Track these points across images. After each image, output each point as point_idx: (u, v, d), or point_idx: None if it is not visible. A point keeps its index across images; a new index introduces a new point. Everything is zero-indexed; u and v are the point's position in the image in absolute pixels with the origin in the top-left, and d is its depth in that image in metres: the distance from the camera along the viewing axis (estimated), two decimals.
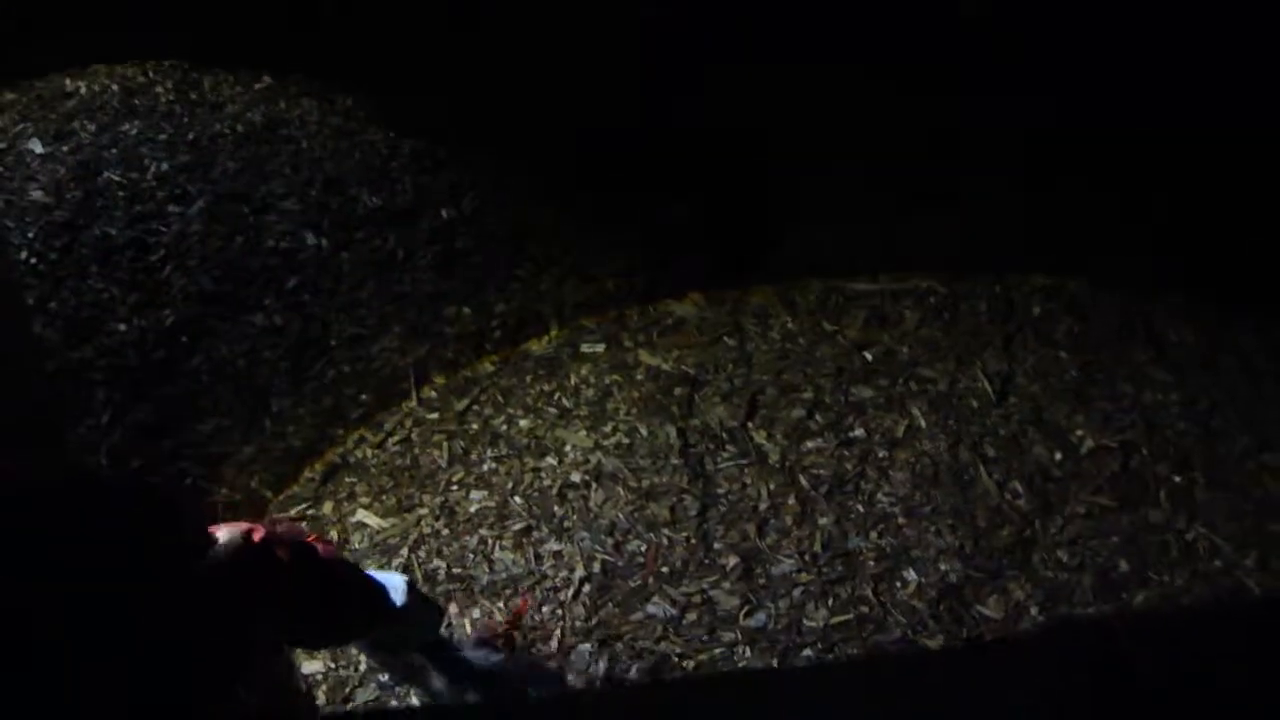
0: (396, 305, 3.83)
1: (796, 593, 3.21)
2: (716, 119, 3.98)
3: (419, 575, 3.27)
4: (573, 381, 3.85)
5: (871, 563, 3.28)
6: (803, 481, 3.49)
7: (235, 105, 3.88)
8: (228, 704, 1.74)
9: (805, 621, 3.14)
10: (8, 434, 2.22)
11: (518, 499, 3.49)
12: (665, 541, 3.34)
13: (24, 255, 3.35)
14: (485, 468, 3.60)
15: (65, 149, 3.61)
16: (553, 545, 3.36)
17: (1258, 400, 3.73)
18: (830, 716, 1.90)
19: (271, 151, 3.81)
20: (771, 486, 3.47)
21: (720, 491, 3.47)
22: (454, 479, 3.57)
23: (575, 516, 3.42)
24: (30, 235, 3.39)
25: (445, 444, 3.68)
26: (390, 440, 3.72)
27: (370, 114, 4.00)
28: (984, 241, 4.08)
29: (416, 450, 3.68)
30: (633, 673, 3.05)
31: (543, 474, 3.55)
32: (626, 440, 3.63)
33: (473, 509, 3.47)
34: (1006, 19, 3.72)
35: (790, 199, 4.09)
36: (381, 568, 3.21)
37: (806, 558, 3.29)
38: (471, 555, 3.35)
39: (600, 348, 3.98)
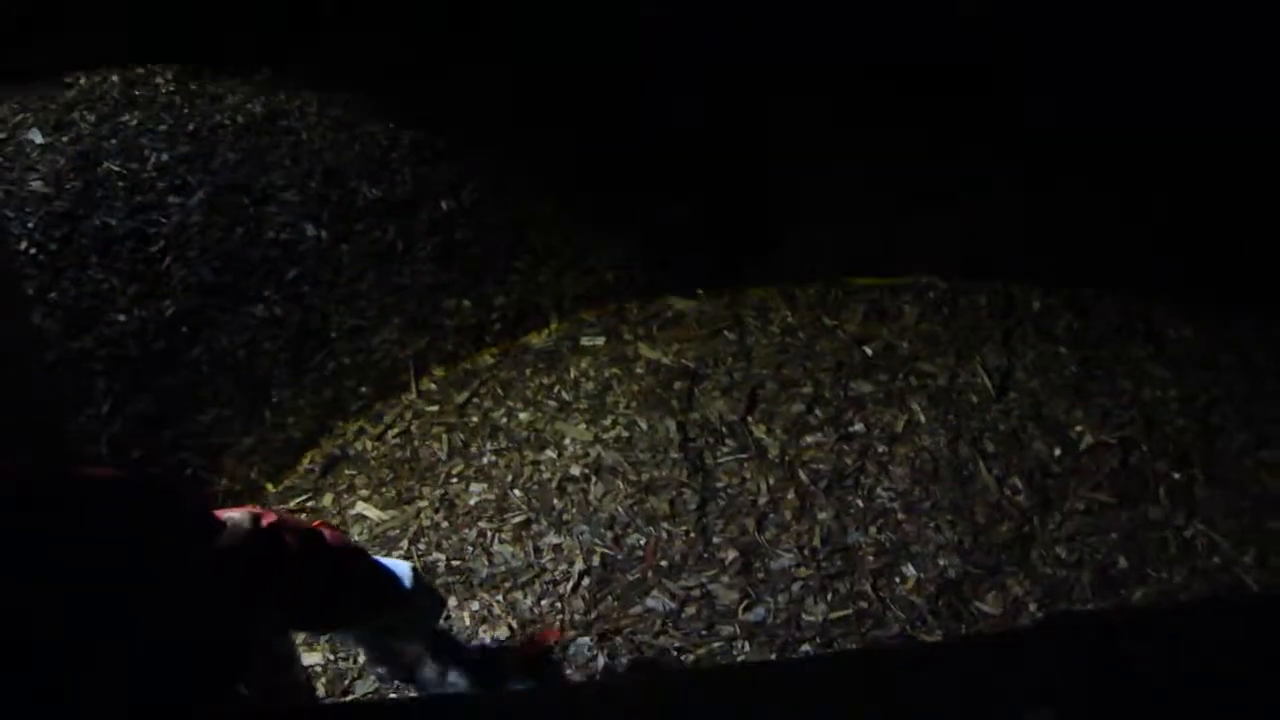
0: (396, 297, 3.83)
1: (795, 587, 3.21)
2: (716, 117, 3.98)
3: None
4: (572, 375, 3.86)
5: (870, 558, 3.28)
6: (802, 476, 3.49)
7: (235, 96, 3.87)
8: (232, 691, 1.74)
9: (804, 616, 3.14)
10: (6, 431, 2.21)
11: (517, 492, 3.49)
12: (664, 535, 3.34)
13: (24, 245, 3.34)
14: (485, 460, 3.60)
15: (65, 139, 3.60)
16: (552, 538, 3.36)
17: (1257, 397, 3.73)
18: (829, 710, 1.91)
19: (271, 143, 3.80)
20: (771, 481, 3.48)
21: (720, 486, 3.47)
22: (453, 471, 3.57)
23: (574, 510, 3.43)
24: (30, 225, 3.38)
25: (445, 436, 3.68)
26: (390, 432, 3.72)
27: (370, 106, 3.99)
28: (984, 238, 4.07)
29: (416, 442, 3.68)
30: (630, 666, 3.05)
31: (542, 467, 3.56)
32: (626, 434, 3.63)
33: (472, 502, 3.48)
34: (1006, 19, 3.71)
35: (790, 198, 4.09)
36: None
37: (805, 552, 3.29)
38: (471, 548, 3.35)
39: (600, 341, 3.98)
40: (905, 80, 3.78)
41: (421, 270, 3.87)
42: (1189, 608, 3.03)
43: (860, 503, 3.43)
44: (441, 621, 2.78)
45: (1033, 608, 3.17)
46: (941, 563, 3.26)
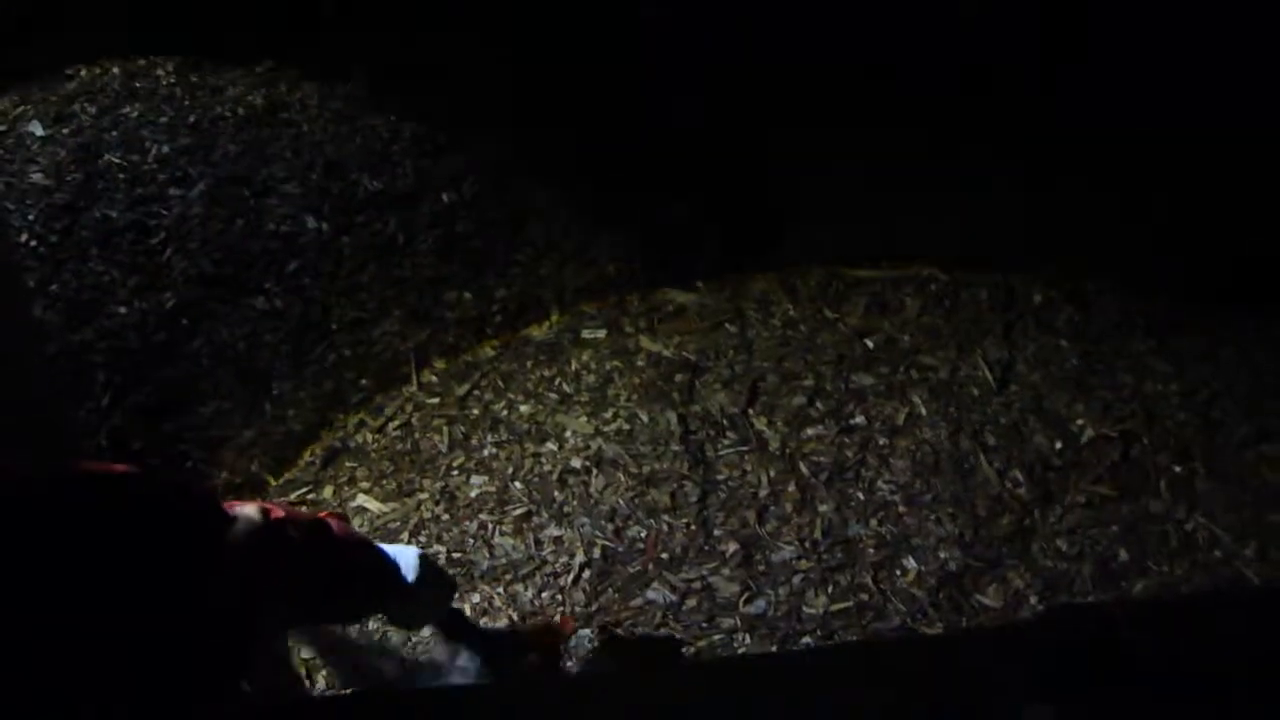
0: (397, 289, 3.82)
1: (796, 580, 3.21)
2: (716, 114, 3.97)
3: None
4: (573, 367, 3.85)
5: (871, 550, 3.28)
6: (803, 469, 3.49)
7: (236, 89, 3.86)
8: (237, 686, 1.74)
9: (805, 609, 3.14)
10: (8, 431, 2.21)
11: (518, 484, 3.49)
12: (665, 528, 3.34)
13: (24, 238, 3.34)
14: (485, 453, 3.60)
15: (66, 131, 3.60)
16: (553, 531, 3.36)
17: (1257, 391, 3.73)
18: (829, 703, 1.91)
19: (272, 135, 3.79)
20: (772, 473, 3.47)
21: (720, 478, 3.47)
22: (454, 464, 3.57)
23: (575, 502, 3.43)
24: (31, 218, 3.38)
25: (445, 429, 3.68)
26: (390, 425, 3.72)
27: (371, 98, 3.99)
28: (986, 231, 4.07)
29: (417, 435, 3.68)
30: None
31: (543, 459, 3.56)
32: (627, 426, 3.63)
33: (473, 494, 3.48)
34: (1004, 17, 3.71)
35: (791, 191, 4.08)
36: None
37: (806, 545, 3.29)
38: (472, 540, 3.35)
39: (601, 333, 3.97)
40: (907, 78, 3.77)
41: (422, 263, 3.87)
42: (1190, 600, 3.04)
43: (861, 495, 3.43)
44: (453, 604, 2.76)
45: (1033, 600, 3.17)
46: (942, 555, 3.26)
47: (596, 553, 3.29)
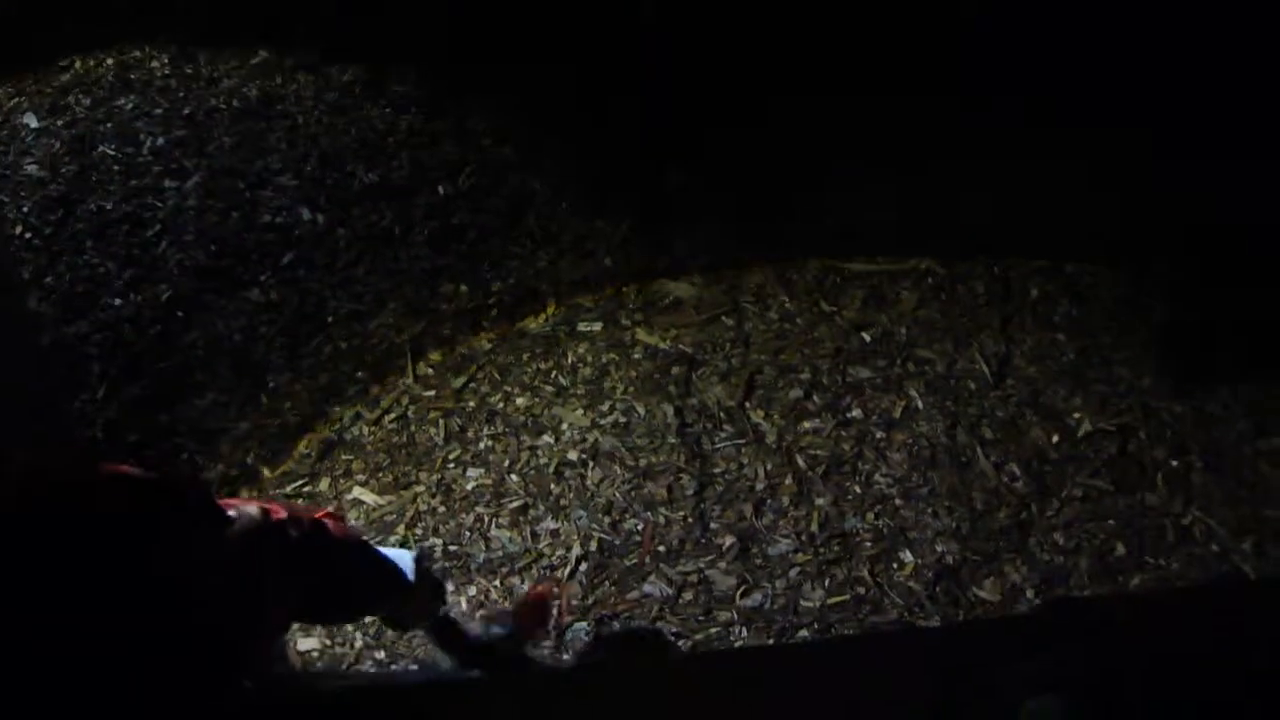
0: (393, 281, 3.82)
1: (793, 573, 3.21)
2: (716, 94, 3.96)
3: None
4: (570, 360, 3.84)
5: (868, 544, 3.28)
6: (800, 462, 3.49)
7: (231, 80, 3.85)
8: (237, 685, 1.73)
9: (802, 602, 3.14)
10: (4, 423, 2.21)
11: (514, 477, 3.48)
12: (662, 521, 3.33)
13: (19, 230, 3.33)
14: (482, 445, 3.59)
15: (60, 123, 3.59)
16: (549, 524, 3.36)
17: (1256, 386, 3.72)
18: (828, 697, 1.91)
19: (267, 127, 3.78)
20: (768, 466, 3.47)
21: (717, 471, 3.47)
22: (450, 456, 3.56)
23: (572, 495, 3.42)
24: (25, 210, 3.37)
25: (442, 421, 3.67)
26: (387, 417, 3.71)
27: (366, 89, 3.97)
28: (983, 224, 4.06)
29: (413, 427, 3.67)
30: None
31: (539, 452, 3.55)
32: (624, 419, 3.62)
33: (469, 487, 3.47)
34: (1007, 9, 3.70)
35: (791, 178, 4.07)
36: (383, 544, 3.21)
37: (803, 538, 3.29)
38: (468, 533, 3.35)
39: (597, 326, 3.96)
40: (907, 64, 3.76)
41: (418, 255, 3.86)
42: (1187, 595, 3.04)
43: (858, 489, 3.42)
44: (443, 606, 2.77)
45: (1030, 594, 3.17)
46: (939, 549, 3.26)
47: (593, 545, 3.28)
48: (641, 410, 3.64)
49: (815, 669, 2.11)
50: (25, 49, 3.77)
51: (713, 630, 3.09)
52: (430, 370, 3.86)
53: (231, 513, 1.70)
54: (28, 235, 3.34)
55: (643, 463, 3.49)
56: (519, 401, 3.72)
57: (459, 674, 2.66)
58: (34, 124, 3.56)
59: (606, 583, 3.20)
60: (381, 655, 3.02)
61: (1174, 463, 3.50)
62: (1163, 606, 2.47)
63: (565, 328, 3.98)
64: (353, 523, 3.38)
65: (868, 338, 3.88)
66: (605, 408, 3.67)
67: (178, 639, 1.48)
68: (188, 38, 3.92)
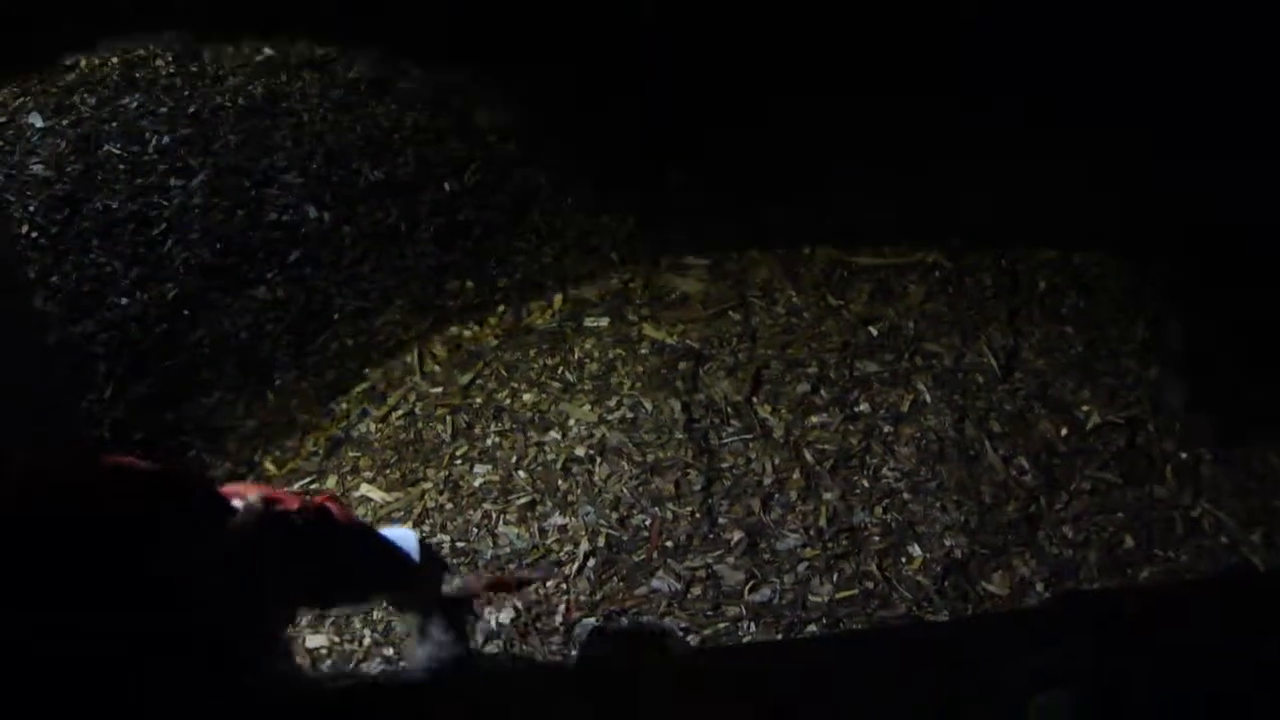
0: (399, 279, 3.82)
1: (801, 568, 3.21)
2: (716, 94, 3.95)
3: None
4: (576, 355, 3.84)
5: (876, 538, 3.27)
6: (807, 456, 3.48)
7: (236, 78, 3.86)
8: (242, 675, 1.73)
9: (810, 597, 3.14)
10: (11, 421, 2.21)
11: (522, 473, 3.48)
12: (670, 516, 3.33)
13: (25, 229, 3.34)
14: (489, 442, 3.59)
15: (65, 123, 3.59)
16: (557, 519, 3.35)
17: (1264, 377, 3.71)
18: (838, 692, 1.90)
19: (272, 124, 3.79)
20: (776, 461, 3.47)
21: (725, 466, 3.46)
22: (457, 453, 3.56)
23: (579, 491, 3.42)
24: (31, 209, 3.38)
25: (449, 418, 3.67)
26: (394, 414, 3.71)
27: (371, 87, 3.97)
28: (990, 218, 4.05)
29: (420, 424, 3.67)
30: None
31: (546, 448, 3.55)
32: (631, 415, 3.62)
33: (477, 483, 3.47)
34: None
35: (793, 175, 4.05)
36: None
37: (811, 533, 3.28)
38: (476, 529, 3.35)
39: (604, 321, 3.95)
40: (910, 54, 3.75)
41: (424, 251, 3.86)
42: (1196, 587, 3.03)
43: (866, 483, 3.42)
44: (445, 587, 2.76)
45: (1039, 587, 3.16)
46: (948, 543, 3.25)
47: (601, 541, 3.28)
48: (649, 405, 3.64)
49: (824, 664, 2.10)
50: (30, 49, 3.77)
51: (721, 625, 3.09)
52: (437, 367, 3.85)
53: (235, 501, 1.71)
54: (33, 235, 3.34)
55: (650, 458, 3.48)
56: (526, 398, 3.71)
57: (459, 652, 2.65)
58: (39, 124, 3.57)
59: (614, 578, 3.19)
60: (390, 652, 3.02)
61: (1182, 455, 3.49)
62: (1172, 599, 2.46)
63: (571, 323, 3.97)
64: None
65: (875, 331, 3.87)
66: (612, 403, 3.66)
67: (181, 636, 1.48)
68: (192, 36, 3.92)
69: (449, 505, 3.41)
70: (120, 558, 1.41)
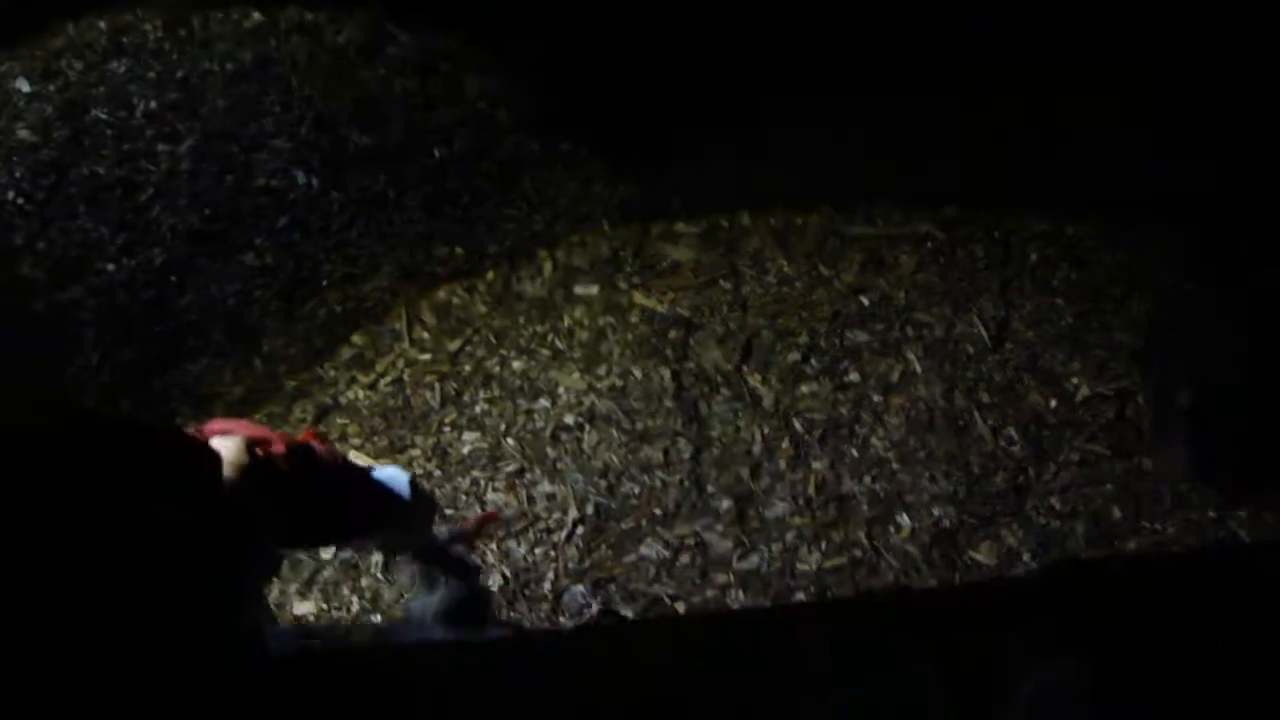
0: (387, 245, 3.80)
1: (790, 536, 3.21)
2: (710, 48, 3.91)
3: None
4: (566, 323, 3.83)
5: (865, 507, 3.28)
6: (797, 425, 3.48)
7: (225, 43, 3.81)
8: (232, 628, 1.73)
9: (798, 565, 3.15)
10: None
11: (510, 441, 3.48)
12: (659, 484, 3.33)
13: (11, 195, 3.31)
14: (478, 409, 3.59)
15: (52, 87, 3.55)
16: (545, 487, 3.35)
17: (1254, 351, 3.71)
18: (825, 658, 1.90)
19: (261, 90, 3.75)
20: (765, 430, 3.46)
21: (714, 435, 3.46)
22: (446, 420, 3.56)
23: (568, 459, 3.42)
24: (17, 175, 3.35)
25: (437, 385, 3.66)
26: (382, 381, 3.70)
27: (361, 52, 3.94)
28: (983, 189, 4.03)
29: (408, 391, 3.66)
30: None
31: (535, 416, 3.54)
32: (620, 383, 3.62)
33: (465, 450, 3.47)
34: None
35: (785, 133, 4.02)
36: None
37: (800, 501, 3.29)
38: (464, 497, 3.35)
39: (594, 289, 3.94)
40: (905, 25, 3.72)
41: (413, 218, 3.83)
42: (1185, 558, 3.04)
43: (855, 452, 3.42)
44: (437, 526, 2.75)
45: (1027, 558, 3.17)
46: (936, 512, 3.26)
47: (589, 509, 3.29)
48: (638, 374, 3.63)
49: (812, 632, 2.10)
50: (16, 13, 3.74)
51: (709, 593, 3.09)
52: (425, 334, 3.84)
53: (217, 441, 1.70)
54: (20, 201, 3.32)
55: (639, 426, 3.48)
56: (515, 365, 3.71)
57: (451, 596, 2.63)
58: (26, 89, 3.53)
59: (603, 546, 3.20)
60: (378, 619, 3.03)
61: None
62: (1159, 571, 2.47)
63: (562, 291, 3.96)
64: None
65: (866, 301, 3.86)
66: (602, 371, 3.66)
67: (164, 590, 1.47)
68: (180, 1, 3.88)
69: (437, 472, 3.41)
70: (90, 515, 1.40)
